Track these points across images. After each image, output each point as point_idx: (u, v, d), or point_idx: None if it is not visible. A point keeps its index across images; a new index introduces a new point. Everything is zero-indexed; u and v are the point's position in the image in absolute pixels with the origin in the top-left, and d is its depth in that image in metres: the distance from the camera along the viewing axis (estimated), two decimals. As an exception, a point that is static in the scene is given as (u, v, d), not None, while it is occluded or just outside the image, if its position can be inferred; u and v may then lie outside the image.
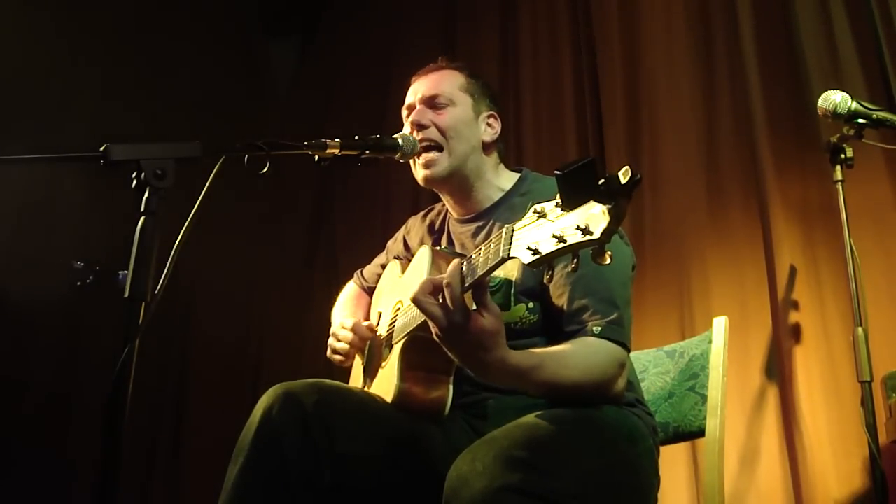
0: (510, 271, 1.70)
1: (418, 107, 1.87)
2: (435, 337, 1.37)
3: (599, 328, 1.54)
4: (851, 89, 2.31)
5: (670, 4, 3.27)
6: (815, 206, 2.70)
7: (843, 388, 2.47)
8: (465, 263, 1.34)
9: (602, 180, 1.06)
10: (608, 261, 1.11)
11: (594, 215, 1.08)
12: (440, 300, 1.33)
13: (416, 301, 1.35)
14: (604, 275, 1.60)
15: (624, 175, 1.05)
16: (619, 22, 3.40)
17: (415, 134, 1.83)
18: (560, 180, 1.09)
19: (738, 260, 2.86)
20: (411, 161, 1.84)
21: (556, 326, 1.62)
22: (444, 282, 1.32)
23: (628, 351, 1.58)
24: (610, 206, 1.07)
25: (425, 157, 1.81)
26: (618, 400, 1.59)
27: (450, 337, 1.34)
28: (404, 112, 1.93)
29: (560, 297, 1.62)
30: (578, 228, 1.09)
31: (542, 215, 1.16)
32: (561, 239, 1.11)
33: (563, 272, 1.61)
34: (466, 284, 1.31)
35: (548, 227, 1.14)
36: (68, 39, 3.94)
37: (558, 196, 1.12)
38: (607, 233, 1.07)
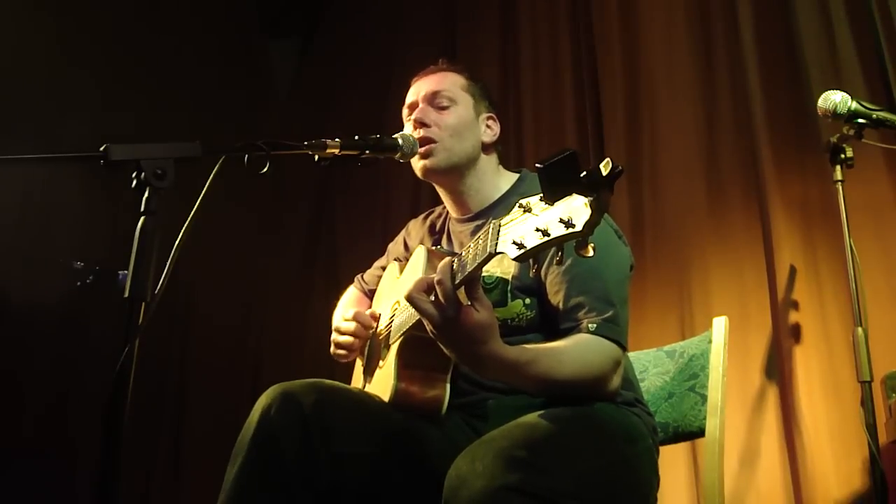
0: (507, 269, 1.70)
1: (421, 105, 1.88)
2: (430, 333, 1.37)
3: (594, 325, 1.54)
4: (851, 89, 2.31)
5: (670, 4, 3.27)
6: (815, 206, 2.70)
7: (843, 388, 2.47)
8: (455, 260, 1.35)
9: (584, 173, 1.07)
10: (591, 253, 1.11)
11: (577, 208, 1.09)
12: (433, 297, 1.34)
13: (410, 299, 1.36)
14: (601, 273, 1.60)
15: (605, 167, 1.05)
16: (619, 22, 3.40)
17: (416, 132, 1.84)
18: (541, 173, 1.10)
19: (738, 260, 2.86)
20: (412, 159, 1.85)
21: (553, 323, 1.63)
22: (435, 279, 1.33)
23: (624, 349, 1.58)
24: (592, 199, 1.07)
25: (425, 148, 1.82)
26: (612, 398, 1.59)
27: (444, 332, 1.35)
28: (405, 111, 1.94)
29: (556, 294, 1.63)
30: (561, 221, 1.10)
31: (527, 210, 1.17)
32: (545, 233, 1.12)
33: (558, 270, 1.62)
34: (457, 281, 1.32)
35: (532, 222, 1.14)
36: (68, 40, 3.94)
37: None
38: (589, 225, 1.08)
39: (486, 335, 1.34)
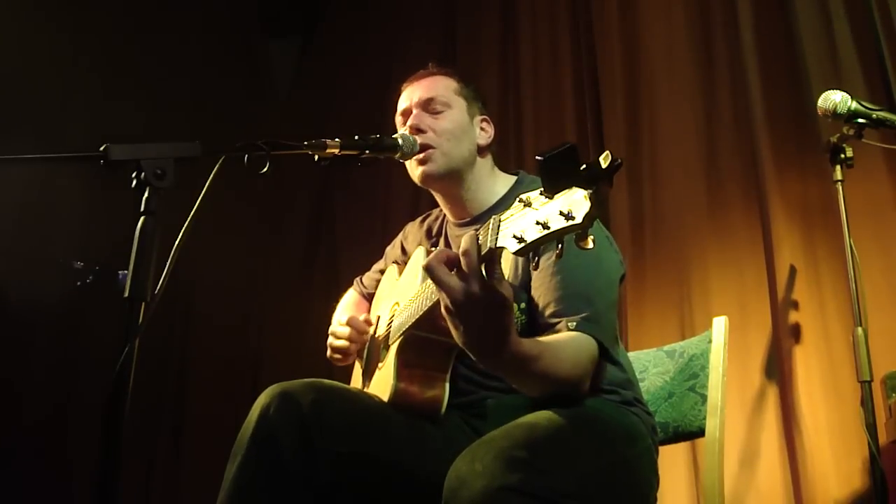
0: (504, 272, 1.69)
1: (415, 111, 1.87)
2: (445, 311, 1.28)
3: (574, 323, 1.53)
4: (851, 89, 2.31)
5: (670, 4, 3.27)
6: (815, 206, 2.70)
7: (843, 388, 2.47)
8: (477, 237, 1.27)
9: (583, 166, 1.07)
10: (591, 245, 1.11)
11: (576, 201, 1.09)
12: (455, 270, 1.25)
13: (428, 268, 1.27)
14: (585, 275, 1.60)
15: (604, 160, 1.06)
16: (619, 22, 3.40)
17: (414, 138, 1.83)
18: (541, 165, 1.10)
19: (738, 260, 2.86)
20: (408, 163, 1.84)
21: (536, 322, 1.62)
22: (461, 250, 1.24)
23: (604, 349, 1.55)
24: (591, 192, 1.07)
25: (423, 154, 1.81)
26: (586, 397, 1.57)
27: (464, 308, 1.25)
28: (398, 118, 1.93)
29: (537, 289, 1.62)
30: (561, 214, 1.09)
31: (527, 204, 1.16)
32: (545, 226, 1.11)
33: (544, 266, 1.61)
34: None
35: (532, 215, 1.14)
36: (68, 39, 3.95)
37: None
38: (589, 217, 1.08)
39: (508, 320, 1.27)
